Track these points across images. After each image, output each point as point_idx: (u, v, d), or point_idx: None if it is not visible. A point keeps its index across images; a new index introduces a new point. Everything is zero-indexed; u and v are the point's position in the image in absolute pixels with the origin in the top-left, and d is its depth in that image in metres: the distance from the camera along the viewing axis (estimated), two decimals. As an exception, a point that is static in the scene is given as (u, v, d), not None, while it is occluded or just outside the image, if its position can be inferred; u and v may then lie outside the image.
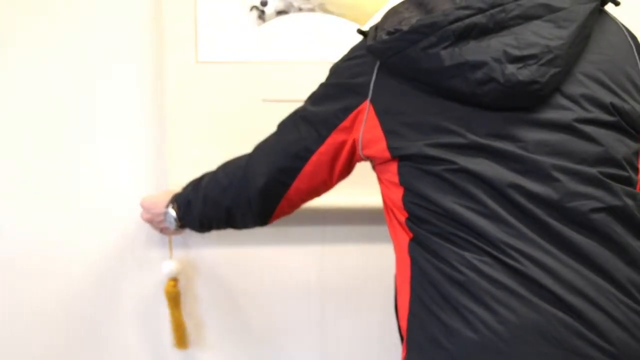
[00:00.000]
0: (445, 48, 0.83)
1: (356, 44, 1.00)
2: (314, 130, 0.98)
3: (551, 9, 0.85)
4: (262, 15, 1.31)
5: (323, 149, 0.98)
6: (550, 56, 0.82)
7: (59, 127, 1.33)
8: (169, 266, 1.34)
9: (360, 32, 0.98)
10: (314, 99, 1.02)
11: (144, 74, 1.32)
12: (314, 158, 0.99)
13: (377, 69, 0.91)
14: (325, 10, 1.31)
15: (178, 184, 1.32)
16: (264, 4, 1.30)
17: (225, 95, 1.32)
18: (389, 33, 0.88)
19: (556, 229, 0.82)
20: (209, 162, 1.32)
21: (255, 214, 1.06)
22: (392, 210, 0.95)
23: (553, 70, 0.83)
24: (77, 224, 1.36)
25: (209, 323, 1.40)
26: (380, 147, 0.92)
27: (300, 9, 1.31)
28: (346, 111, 0.95)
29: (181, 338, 1.37)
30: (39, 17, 1.30)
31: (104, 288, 1.38)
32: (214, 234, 1.33)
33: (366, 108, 0.92)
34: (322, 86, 1.01)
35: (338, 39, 1.31)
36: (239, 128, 1.32)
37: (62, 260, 1.36)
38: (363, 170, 1.32)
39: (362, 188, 1.32)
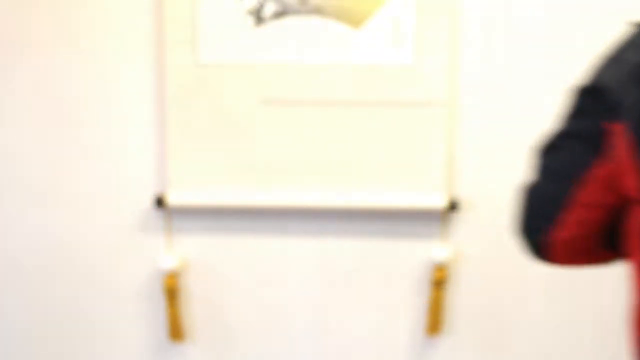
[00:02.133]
0: None
1: (627, 39, 0.74)
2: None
3: None
4: (259, 18, 1.32)
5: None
6: None
7: (60, 129, 1.36)
8: (169, 260, 1.37)
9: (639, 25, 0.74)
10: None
11: (145, 77, 1.34)
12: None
13: None
14: (321, 13, 1.33)
15: (178, 184, 1.36)
16: (262, 7, 1.32)
17: (224, 96, 1.34)
18: None
19: None
20: (209, 162, 1.36)
21: None
22: None
23: None
24: (80, 221, 1.39)
25: (208, 317, 1.43)
26: (630, 183, 0.72)
27: (297, 12, 1.33)
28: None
29: (177, 331, 1.40)
30: (38, 19, 1.33)
31: (105, 281, 1.41)
32: (216, 229, 1.37)
33: (622, 132, 0.70)
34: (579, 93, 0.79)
35: (333, 42, 1.33)
36: (238, 129, 1.35)
37: (64, 255, 1.40)
38: (362, 169, 1.35)
39: (359, 185, 1.36)
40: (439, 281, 1.39)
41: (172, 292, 1.38)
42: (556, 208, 0.79)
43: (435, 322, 1.41)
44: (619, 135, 0.70)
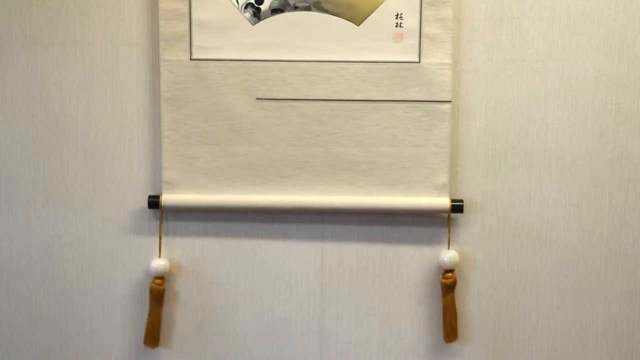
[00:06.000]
0: None
1: None
2: None
3: None
4: (256, 14, 1.31)
5: None
6: None
7: (50, 127, 1.36)
8: (162, 263, 1.34)
9: None
10: None
11: (138, 72, 1.34)
12: None
13: None
14: (320, 8, 1.31)
15: (172, 182, 1.33)
16: (259, 2, 1.30)
17: (219, 93, 1.32)
18: None
19: None
20: (203, 160, 1.34)
21: None
22: None
23: None
24: (71, 222, 1.38)
25: (204, 321, 1.39)
26: None
27: (295, 7, 1.31)
28: None
29: (153, 336, 1.36)
30: (29, 13, 1.34)
31: (96, 283, 1.39)
32: (212, 231, 1.35)
33: None
34: None
35: (333, 38, 1.30)
36: (233, 126, 1.32)
37: (54, 257, 1.39)
38: (363, 170, 1.32)
39: (361, 187, 1.32)
40: (447, 285, 1.33)
41: (157, 297, 1.34)
42: None
43: (451, 328, 1.36)
44: None
